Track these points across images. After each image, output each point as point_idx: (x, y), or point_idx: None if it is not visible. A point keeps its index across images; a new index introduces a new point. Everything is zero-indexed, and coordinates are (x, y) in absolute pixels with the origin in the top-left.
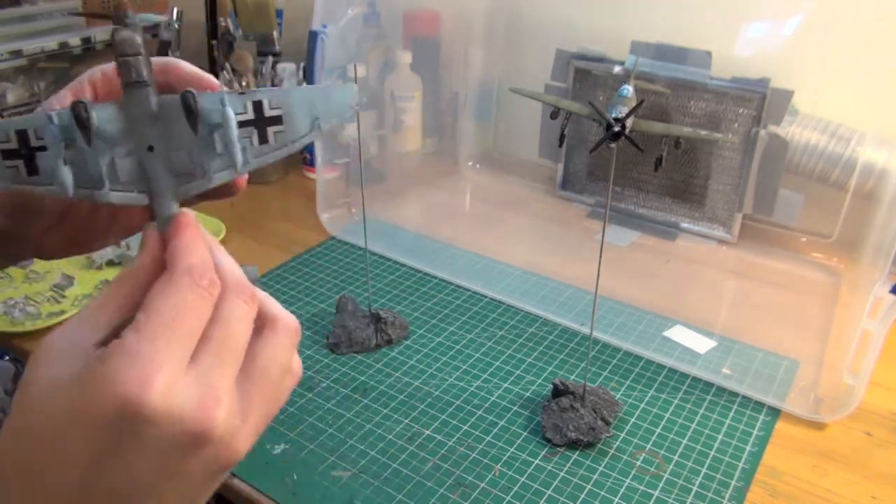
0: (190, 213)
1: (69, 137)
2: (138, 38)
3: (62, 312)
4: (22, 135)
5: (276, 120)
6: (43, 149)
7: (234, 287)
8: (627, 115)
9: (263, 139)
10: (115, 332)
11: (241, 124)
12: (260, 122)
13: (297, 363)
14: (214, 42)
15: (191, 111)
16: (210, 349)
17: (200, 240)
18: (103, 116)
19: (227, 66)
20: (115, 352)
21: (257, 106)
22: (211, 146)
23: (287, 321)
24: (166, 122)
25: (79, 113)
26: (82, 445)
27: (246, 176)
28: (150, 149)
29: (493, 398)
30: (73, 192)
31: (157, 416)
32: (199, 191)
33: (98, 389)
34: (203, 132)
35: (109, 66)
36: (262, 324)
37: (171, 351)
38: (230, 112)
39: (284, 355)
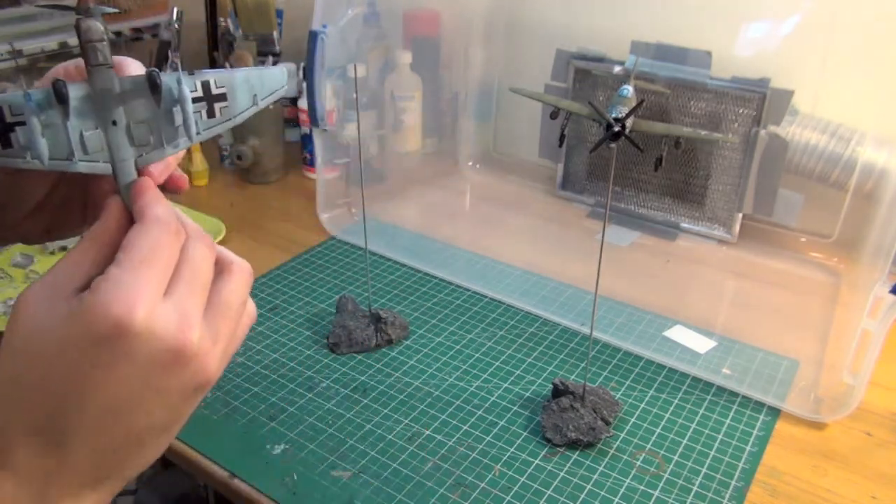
0: (149, 179)
1: (45, 113)
2: (101, 26)
3: None
4: None
5: (222, 97)
6: (15, 126)
7: (196, 233)
8: (627, 115)
9: (211, 114)
10: (89, 284)
11: (193, 101)
12: (208, 99)
13: (251, 305)
14: (215, 53)
15: (156, 87)
16: (181, 283)
17: (162, 197)
18: (75, 94)
19: (227, 66)
20: (103, 283)
21: (205, 85)
22: (170, 120)
23: (242, 265)
24: (129, 100)
25: (59, 89)
26: (78, 367)
27: (186, 178)
28: (114, 123)
29: (493, 398)
30: (48, 163)
31: (143, 334)
32: (157, 160)
33: (91, 314)
34: (164, 107)
35: (79, 60)
36: (220, 268)
37: (150, 282)
38: (186, 90)
39: (242, 292)
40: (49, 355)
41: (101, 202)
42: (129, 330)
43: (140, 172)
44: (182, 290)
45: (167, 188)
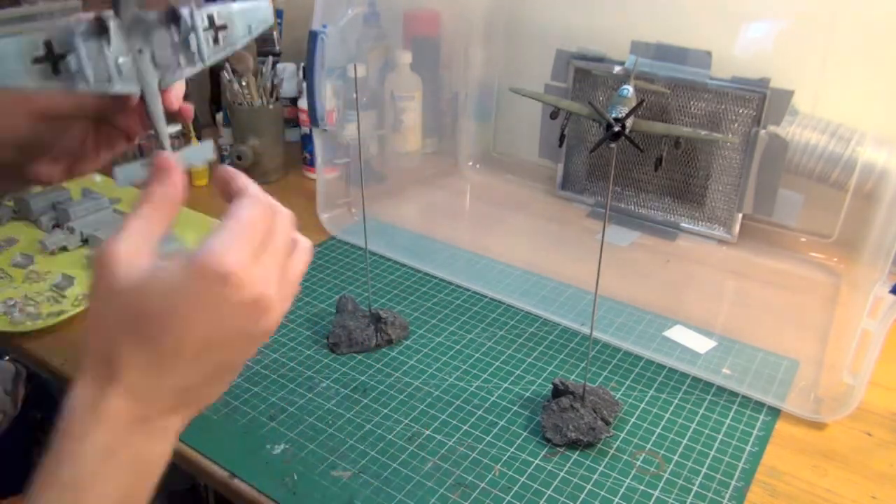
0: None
1: (87, 43)
2: None
3: (62, 312)
4: (48, 45)
5: (223, 27)
6: (65, 55)
7: (283, 214)
8: (627, 115)
9: (216, 41)
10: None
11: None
12: (213, 29)
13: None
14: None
15: (177, 19)
16: (269, 250)
17: (252, 181)
18: (111, 27)
19: (227, 65)
20: (215, 243)
21: (210, 17)
22: (186, 46)
23: (306, 244)
24: (153, 30)
25: (104, 20)
26: (189, 307)
27: (192, 109)
28: (140, 51)
29: (493, 398)
30: (93, 86)
31: (241, 285)
32: (179, 79)
33: (204, 267)
34: (181, 36)
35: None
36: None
37: (250, 245)
38: (199, 20)
39: (302, 270)
40: (165, 297)
41: (115, 139)
42: (232, 280)
43: (162, 94)
44: (269, 256)
45: (179, 115)
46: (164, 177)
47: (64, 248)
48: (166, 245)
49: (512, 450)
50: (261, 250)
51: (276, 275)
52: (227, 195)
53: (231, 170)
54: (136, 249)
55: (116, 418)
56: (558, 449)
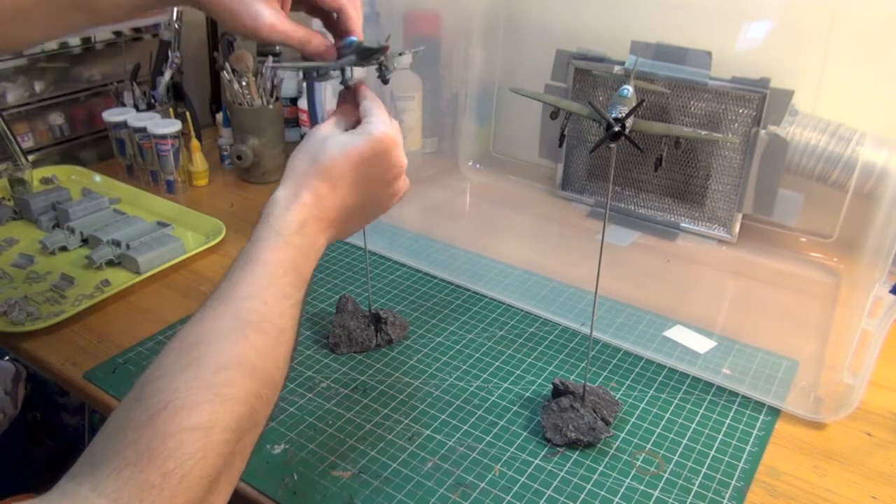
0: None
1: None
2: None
3: (62, 312)
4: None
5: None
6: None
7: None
8: (627, 115)
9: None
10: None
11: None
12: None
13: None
14: (215, 53)
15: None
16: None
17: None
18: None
19: (227, 65)
20: (376, 121)
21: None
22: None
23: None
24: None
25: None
26: (363, 158)
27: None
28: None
29: (493, 398)
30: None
31: (396, 145)
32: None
33: (377, 132)
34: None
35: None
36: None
37: (391, 124)
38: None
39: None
40: (344, 146)
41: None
42: (391, 142)
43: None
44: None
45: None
46: (351, 95)
47: (64, 248)
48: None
49: (512, 450)
50: (398, 132)
51: (402, 152)
52: (358, 95)
53: (365, 87)
54: (330, 128)
55: (302, 209)
56: (558, 449)
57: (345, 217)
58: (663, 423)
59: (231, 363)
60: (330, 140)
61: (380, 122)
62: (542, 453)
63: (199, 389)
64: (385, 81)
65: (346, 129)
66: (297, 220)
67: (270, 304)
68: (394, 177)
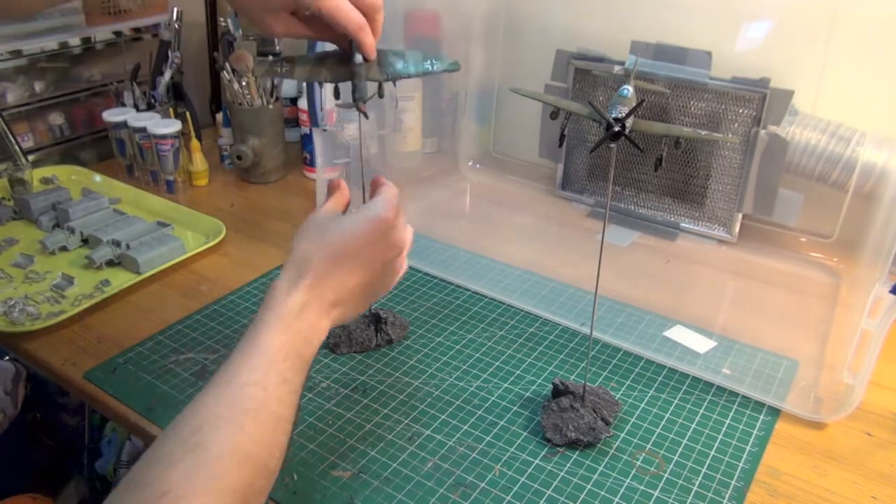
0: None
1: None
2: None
3: (62, 312)
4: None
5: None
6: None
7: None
8: (627, 115)
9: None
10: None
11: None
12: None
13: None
14: (215, 53)
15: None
16: (401, 216)
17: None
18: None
19: (227, 65)
20: (378, 204)
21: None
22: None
23: (410, 228)
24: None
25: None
26: (364, 238)
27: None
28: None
29: (493, 398)
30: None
31: (395, 227)
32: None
33: (373, 214)
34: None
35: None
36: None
37: (395, 209)
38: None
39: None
40: (344, 229)
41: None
42: (389, 223)
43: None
44: (401, 219)
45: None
46: (336, 190)
47: (64, 248)
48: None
49: (512, 450)
50: (398, 214)
51: (405, 232)
52: (374, 188)
53: (381, 178)
54: (328, 212)
55: (304, 292)
56: (558, 449)
57: (346, 297)
58: (663, 423)
59: (227, 451)
60: (328, 223)
61: (380, 204)
62: (542, 453)
63: (197, 480)
64: (355, 101)
65: (343, 213)
66: (297, 303)
67: (270, 391)
68: (393, 256)
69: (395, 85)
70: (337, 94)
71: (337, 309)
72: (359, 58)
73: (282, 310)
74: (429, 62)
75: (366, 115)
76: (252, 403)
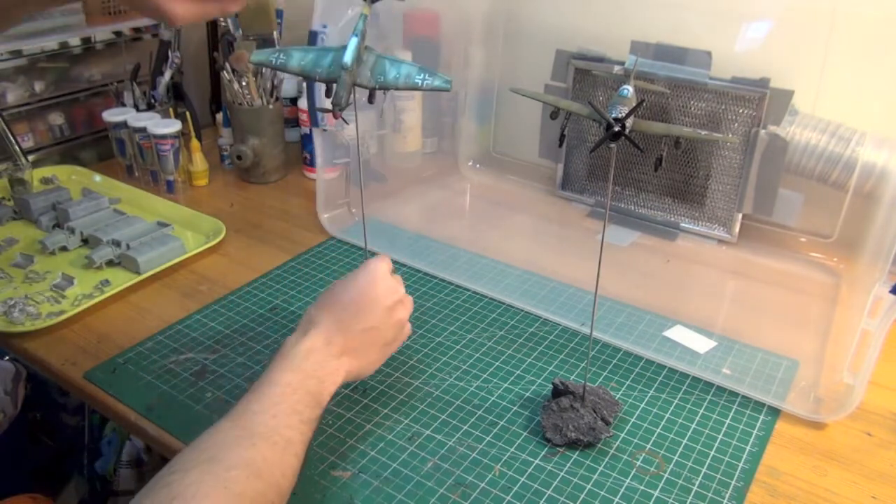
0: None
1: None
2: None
3: (62, 312)
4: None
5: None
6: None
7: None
8: (627, 115)
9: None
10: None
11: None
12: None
13: None
14: (215, 53)
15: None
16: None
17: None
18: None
19: (227, 65)
20: (374, 261)
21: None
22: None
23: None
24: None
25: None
26: (369, 292)
27: None
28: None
29: (493, 398)
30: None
31: (388, 276)
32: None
33: (368, 267)
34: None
35: None
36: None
37: (388, 266)
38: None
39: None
40: (347, 288)
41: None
42: (381, 270)
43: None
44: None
45: None
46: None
47: (64, 248)
48: None
49: (512, 450)
50: (389, 265)
51: (398, 283)
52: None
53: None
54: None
55: (311, 338)
56: (558, 449)
57: (354, 344)
58: (663, 423)
59: (240, 464)
60: (333, 286)
61: (371, 260)
62: (542, 453)
63: (210, 483)
64: (333, 107)
65: None
66: (305, 347)
67: (280, 418)
68: (393, 302)
69: (385, 94)
70: (328, 93)
71: (348, 355)
72: (346, 62)
73: (290, 353)
74: (420, 77)
75: (345, 122)
76: (263, 428)
